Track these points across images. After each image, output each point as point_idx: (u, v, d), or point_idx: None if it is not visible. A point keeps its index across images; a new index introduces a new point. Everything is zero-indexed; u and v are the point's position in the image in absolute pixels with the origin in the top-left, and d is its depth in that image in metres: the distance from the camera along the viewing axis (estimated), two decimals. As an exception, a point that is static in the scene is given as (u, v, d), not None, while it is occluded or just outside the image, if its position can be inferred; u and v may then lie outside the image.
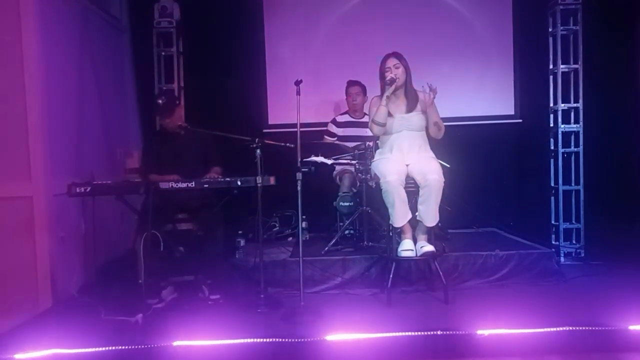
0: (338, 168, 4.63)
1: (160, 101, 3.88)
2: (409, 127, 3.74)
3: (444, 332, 2.92)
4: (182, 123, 3.82)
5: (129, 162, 4.94)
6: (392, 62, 3.72)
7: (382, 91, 3.74)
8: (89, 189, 3.32)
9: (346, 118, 4.86)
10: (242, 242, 4.25)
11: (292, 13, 5.37)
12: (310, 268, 3.86)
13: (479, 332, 2.91)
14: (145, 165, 3.95)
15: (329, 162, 4.21)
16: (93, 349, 2.82)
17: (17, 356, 2.78)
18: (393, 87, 3.66)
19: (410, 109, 3.76)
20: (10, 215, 3.57)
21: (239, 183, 3.40)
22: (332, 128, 4.87)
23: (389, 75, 3.67)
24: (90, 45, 4.43)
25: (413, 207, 3.61)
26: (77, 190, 3.31)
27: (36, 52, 3.61)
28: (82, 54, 4.32)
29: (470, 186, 4.79)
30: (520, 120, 5.36)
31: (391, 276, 3.54)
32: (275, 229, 4.84)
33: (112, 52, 4.95)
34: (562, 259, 4.77)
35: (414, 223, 3.63)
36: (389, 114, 3.72)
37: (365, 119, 4.71)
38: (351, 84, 4.82)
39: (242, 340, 2.88)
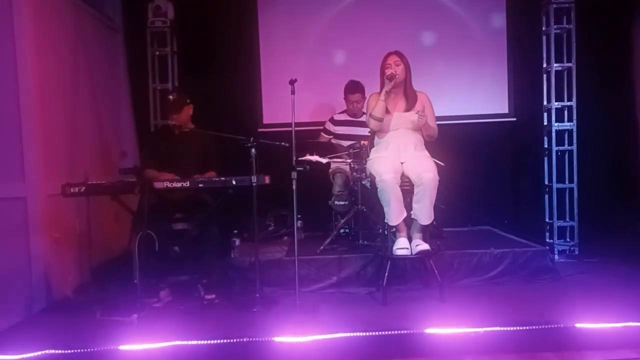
0: (332, 167, 4.64)
1: (170, 97, 3.88)
2: (405, 125, 3.75)
3: (436, 331, 2.94)
4: (176, 123, 3.81)
5: (123, 162, 4.92)
6: (393, 59, 3.74)
7: (382, 88, 3.75)
8: (83, 189, 3.30)
9: (344, 117, 4.86)
10: (237, 242, 4.25)
11: (286, 12, 5.36)
12: (306, 267, 3.86)
13: (474, 329, 2.93)
14: (143, 160, 3.94)
15: (324, 161, 4.21)
16: (88, 350, 2.81)
17: (11, 357, 2.76)
18: (392, 82, 3.67)
19: (408, 107, 3.77)
20: (3, 216, 3.54)
21: (233, 182, 3.39)
22: (330, 127, 4.87)
23: (388, 71, 3.69)
24: (84, 44, 4.41)
25: (408, 206, 3.62)
26: (72, 190, 3.29)
27: (29, 51, 3.59)
28: (76, 53, 4.30)
29: (464, 184, 4.81)
30: (514, 119, 5.38)
31: (387, 274, 3.55)
32: (270, 229, 4.84)
33: (106, 52, 4.93)
34: (557, 257, 4.79)
35: (409, 221, 3.64)
36: (387, 111, 3.74)
37: (363, 118, 4.71)
38: (352, 89, 4.71)
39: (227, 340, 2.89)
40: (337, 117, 4.89)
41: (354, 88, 4.70)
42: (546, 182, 5.02)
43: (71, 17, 4.27)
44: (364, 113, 4.73)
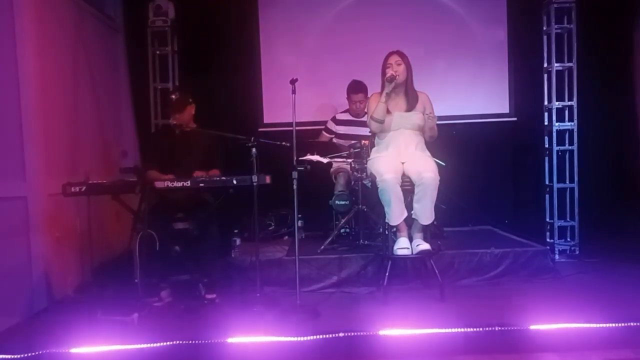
0: (334, 166, 4.63)
1: (173, 96, 3.89)
2: (407, 125, 3.75)
3: (437, 331, 2.94)
4: (178, 122, 3.81)
5: (123, 161, 4.92)
6: (394, 59, 3.74)
7: (383, 88, 3.74)
8: (83, 188, 3.30)
9: (346, 116, 4.85)
10: (238, 241, 4.25)
11: (287, 11, 5.37)
12: (307, 267, 3.87)
13: (475, 329, 2.92)
14: (145, 161, 3.93)
15: (325, 160, 4.21)
16: (89, 349, 2.81)
17: (12, 356, 2.77)
18: (393, 83, 3.67)
19: (409, 108, 3.77)
20: (4, 216, 3.54)
21: (234, 182, 3.39)
22: (332, 126, 4.87)
23: (389, 72, 3.68)
24: (84, 44, 4.41)
25: (408, 206, 3.62)
26: (72, 189, 3.29)
27: (30, 51, 3.59)
28: (77, 53, 4.30)
29: (465, 184, 4.81)
30: (515, 119, 5.38)
31: (387, 274, 3.55)
32: (271, 228, 4.84)
33: (106, 52, 4.93)
34: (557, 257, 4.80)
35: (410, 221, 3.64)
36: (388, 112, 3.73)
37: (366, 117, 4.71)
38: (355, 89, 4.70)
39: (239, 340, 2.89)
40: (340, 117, 4.88)
41: (357, 88, 4.70)
42: (547, 182, 5.02)
43: (72, 17, 4.27)
44: (366, 113, 4.73)
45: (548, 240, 4.95)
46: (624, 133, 4.95)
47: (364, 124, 4.47)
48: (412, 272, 3.90)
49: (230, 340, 2.87)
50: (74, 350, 2.80)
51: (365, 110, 4.65)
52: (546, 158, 5.02)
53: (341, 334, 2.90)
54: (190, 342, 2.86)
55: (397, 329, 2.93)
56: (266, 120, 5.38)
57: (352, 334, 2.92)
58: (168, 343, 2.84)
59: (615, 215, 4.78)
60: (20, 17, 3.55)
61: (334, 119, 4.89)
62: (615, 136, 5.00)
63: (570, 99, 4.94)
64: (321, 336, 2.89)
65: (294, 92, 3.42)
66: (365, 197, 4.14)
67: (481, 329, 2.92)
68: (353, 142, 4.32)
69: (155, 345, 2.84)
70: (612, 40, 4.98)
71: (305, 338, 2.88)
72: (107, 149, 4.77)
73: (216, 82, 5.20)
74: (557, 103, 4.94)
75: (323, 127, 4.93)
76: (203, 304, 3.53)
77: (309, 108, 5.21)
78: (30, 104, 3.59)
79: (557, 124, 4.95)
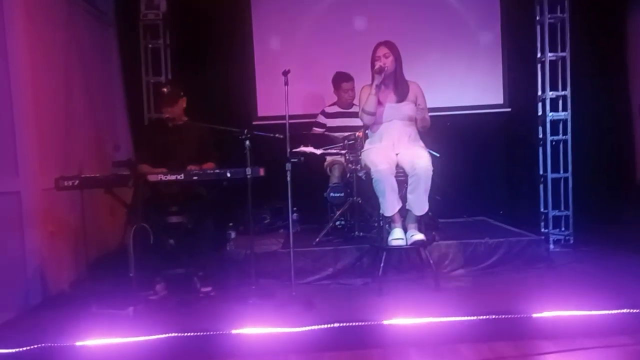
0: (328, 159, 4.63)
1: (164, 90, 3.87)
2: (398, 116, 3.75)
3: (431, 320, 2.95)
4: (170, 115, 3.79)
5: (116, 155, 4.90)
6: (382, 51, 3.72)
7: (373, 80, 3.73)
8: (77, 182, 3.29)
9: (335, 109, 4.85)
10: (233, 234, 4.25)
11: (279, 3, 5.34)
12: (302, 259, 3.87)
13: (470, 318, 2.94)
14: (138, 154, 3.92)
15: (318, 152, 4.21)
16: (84, 343, 2.81)
17: (8, 351, 2.76)
18: (382, 75, 3.66)
19: (400, 98, 3.76)
20: (-3, 211, 3.55)
21: (228, 174, 3.39)
22: (321, 119, 4.86)
23: (378, 64, 3.67)
24: (76, 38, 4.38)
25: (403, 197, 3.63)
26: (65, 184, 3.29)
27: (22, 46, 3.57)
28: (69, 47, 4.27)
29: (459, 175, 4.82)
30: (509, 109, 5.38)
31: (382, 265, 3.56)
32: (266, 221, 4.84)
33: (98, 46, 4.90)
34: (552, 246, 4.81)
35: (404, 212, 3.64)
36: (380, 103, 3.73)
37: (354, 109, 4.70)
38: (347, 78, 4.73)
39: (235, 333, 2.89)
40: (329, 110, 4.88)
41: (348, 76, 4.71)
42: (541, 172, 5.03)
43: (63, 12, 4.23)
44: (354, 104, 4.72)
45: (542, 230, 4.97)
46: (618, 122, 4.96)
47: (354, 115, 4.47)
48: (407, 263, 3.91)
49: (224, 332, 2.88)
50: (69, 344, 2.80)
51: (354, 102, 4.66)
52: (540, 148, 5.04)
53: (337, 325, 2.92)
54: (185, 334, 2.86)
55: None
56: (260, 113, 5.36)
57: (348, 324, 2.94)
58: (163, 336, 2.85)
59: (609, 204, 4.79)
60: (11, 12, 3.53)
61: (323, 113, 4.88)
62: (608, 125, 5.01)
63: (564, 89, 4.94)
64: (316, 327, 2.91)
65: (286, 83, 3.42)
66: (360, 189, 4.14)
67: (476, 318, 2.93)
68: (347, 133, 4.31)
69: (150, 338, 2.84)
70: (605, 30, 4.98)
71: (302, 329, 2.90)
72: (100, 143, 4.75)
73: (209, 75, 5.17)
74: (550, 93, 4.95)
75: (314, 121, 4.91)
76: (198, 297, 3.53)
77: (303, 100, 5.20)
78: (23, 100, 3.57)
79: (550, 114, 4.96)
